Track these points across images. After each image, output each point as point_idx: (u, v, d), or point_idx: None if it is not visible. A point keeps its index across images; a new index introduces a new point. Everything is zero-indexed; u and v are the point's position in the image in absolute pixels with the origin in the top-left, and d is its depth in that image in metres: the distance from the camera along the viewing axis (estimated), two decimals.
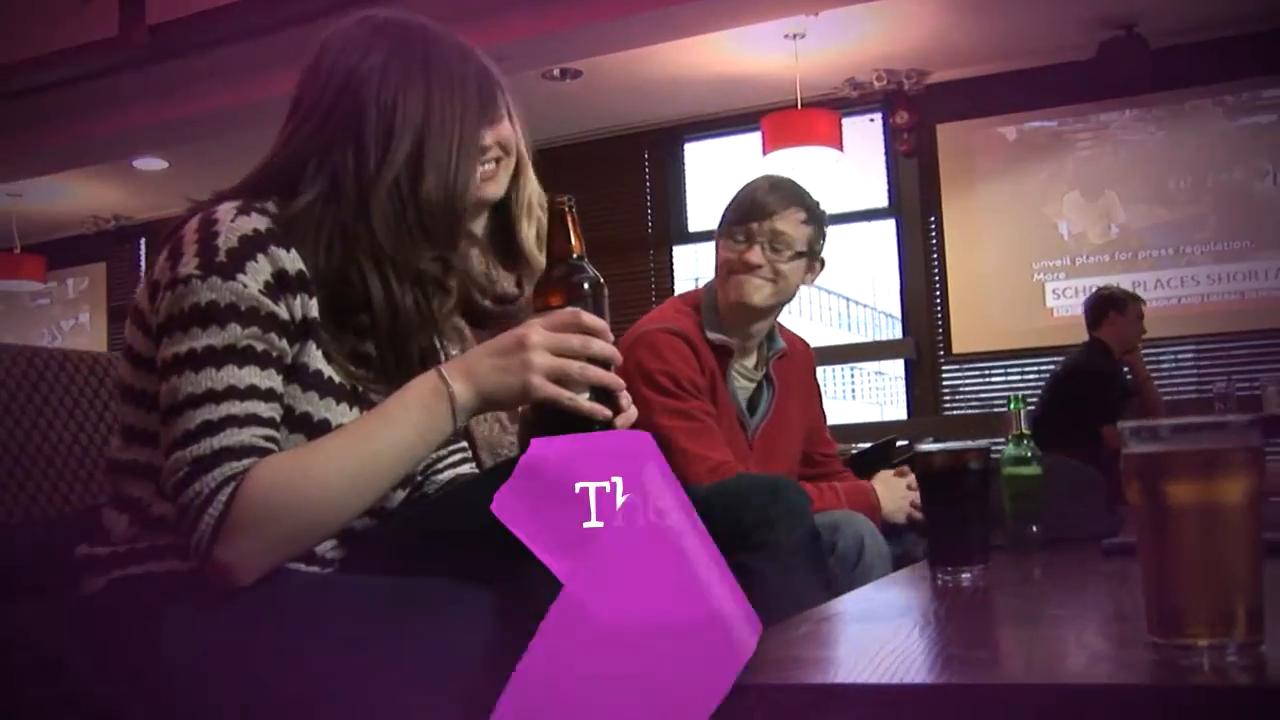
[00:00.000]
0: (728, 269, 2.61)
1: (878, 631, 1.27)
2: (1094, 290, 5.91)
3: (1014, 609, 1.50)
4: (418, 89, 1.45)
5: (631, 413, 1.45)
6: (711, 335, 2.59)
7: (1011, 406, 2.12)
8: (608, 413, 1.39)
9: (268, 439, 1.32)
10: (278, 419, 1.35)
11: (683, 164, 7.72)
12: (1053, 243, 6.80)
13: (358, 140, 1.43)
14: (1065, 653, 1.13)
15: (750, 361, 2.70)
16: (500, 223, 1.86)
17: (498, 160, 1.60)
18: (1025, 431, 2.09)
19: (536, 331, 1.37)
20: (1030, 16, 6.17)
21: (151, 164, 7.77)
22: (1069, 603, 1.54)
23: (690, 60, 6.51)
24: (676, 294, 3.49)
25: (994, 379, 6.97)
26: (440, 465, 1.65)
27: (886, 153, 7.16)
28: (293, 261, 1.36)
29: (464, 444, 1.70)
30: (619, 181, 7.54)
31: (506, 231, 1.86)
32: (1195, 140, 6.57)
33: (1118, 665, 1.04)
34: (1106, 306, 5.64)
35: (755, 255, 2.56)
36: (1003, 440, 2.11)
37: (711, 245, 2.72)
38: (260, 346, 1.33)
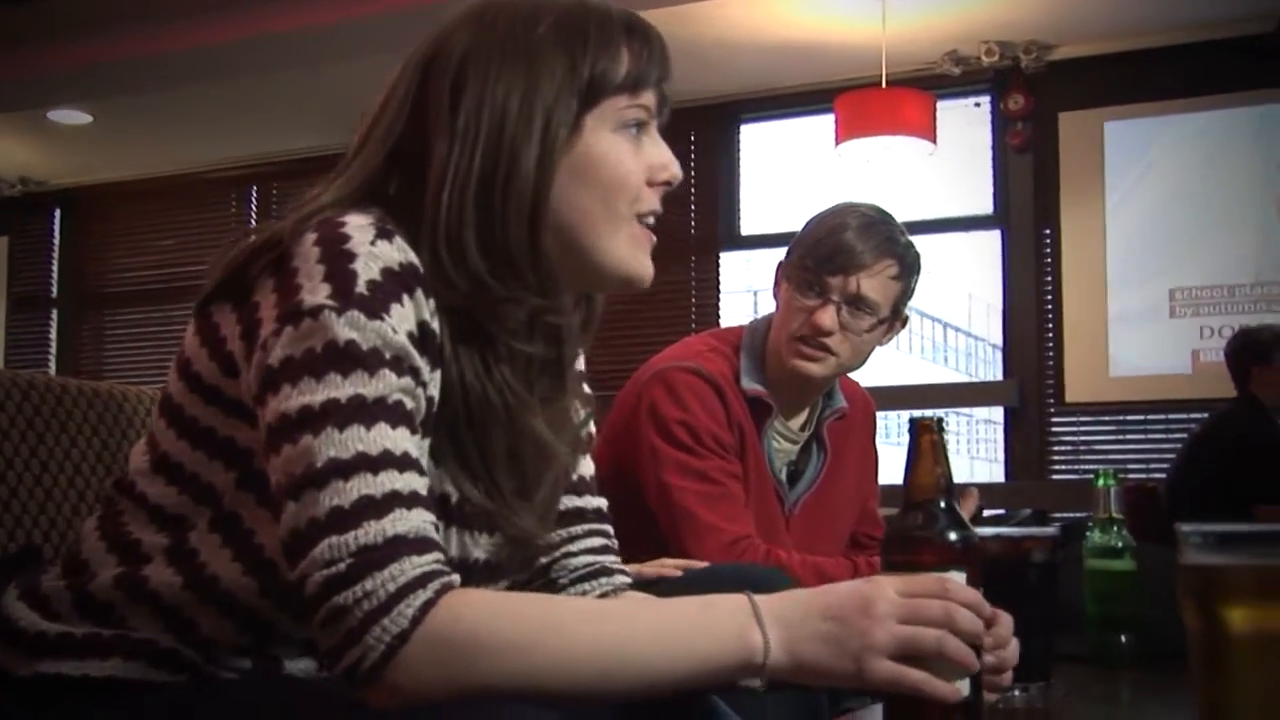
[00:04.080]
0: (787, 326, 2.57)
1: None
2: (1235, 331, 5.77)
3: None
4: (486, 70, 1.39)
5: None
6: (747, 386, 2.59)
7: (1099, 483, 2.13)
8: (963, 693, 1.32)
9: (437, 528, 1.27)
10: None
11: (737, 149, 7.71)
12: (1203, 266, 6.72)
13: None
14: None
15: (797, 421, 2.71)
16: None
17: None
18: (1115, 515, 2.10)
19: (886, 597, 1.29)
20: None
21: (71, 116, 7.87)
22: None
23: (750, 21, 6.51)
24: (717, 327, 3.47)
25: (1122, 438, 6.94)
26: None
27: (994, 146, 7.14)
28: (432, 314, 1.33)
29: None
30: None
31: None
32: None
33: None
34: (1247, 356, 5.44)
35: (828, 319, 2.52)
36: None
37: (769, 253, 2.63)
38: (410, 404, 1.28)
